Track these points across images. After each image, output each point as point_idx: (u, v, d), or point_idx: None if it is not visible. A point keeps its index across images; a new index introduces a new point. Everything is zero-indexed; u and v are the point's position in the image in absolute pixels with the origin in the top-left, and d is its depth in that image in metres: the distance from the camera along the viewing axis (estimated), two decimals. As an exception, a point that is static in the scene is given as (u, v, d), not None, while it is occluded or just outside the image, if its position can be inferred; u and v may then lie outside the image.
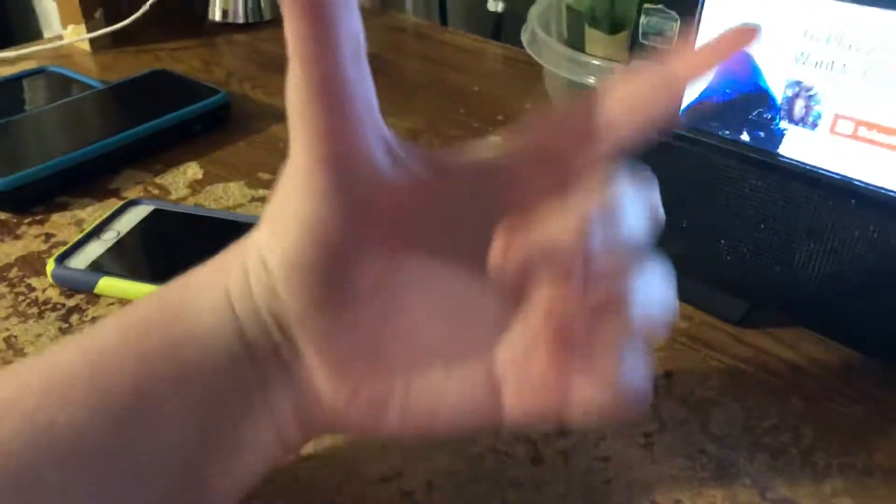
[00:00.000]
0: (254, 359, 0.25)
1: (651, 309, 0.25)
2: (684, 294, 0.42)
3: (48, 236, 0.48)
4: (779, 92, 0.35)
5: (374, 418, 0.26)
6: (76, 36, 0.75)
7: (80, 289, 0.43)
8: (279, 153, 0.57)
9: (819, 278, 0.35)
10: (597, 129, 0.24)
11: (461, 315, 0.26)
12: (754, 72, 0.36)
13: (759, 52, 0.36)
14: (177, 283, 0.27)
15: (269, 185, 0.53)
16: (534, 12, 0.58)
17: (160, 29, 0.79)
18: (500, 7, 0.95)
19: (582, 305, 0.23)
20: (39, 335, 0.40)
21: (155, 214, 0.48)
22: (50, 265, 0.43)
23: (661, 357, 0.38)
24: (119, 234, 0.46)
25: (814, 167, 0.35)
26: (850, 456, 0.33)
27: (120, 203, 0.49)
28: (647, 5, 0.38)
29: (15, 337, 0.40)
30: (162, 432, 0.24)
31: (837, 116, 0.34)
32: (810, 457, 0.33)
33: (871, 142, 0.33)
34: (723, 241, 0.38)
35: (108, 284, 0.42)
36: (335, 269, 0.24)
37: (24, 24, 1.60)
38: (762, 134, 0.36)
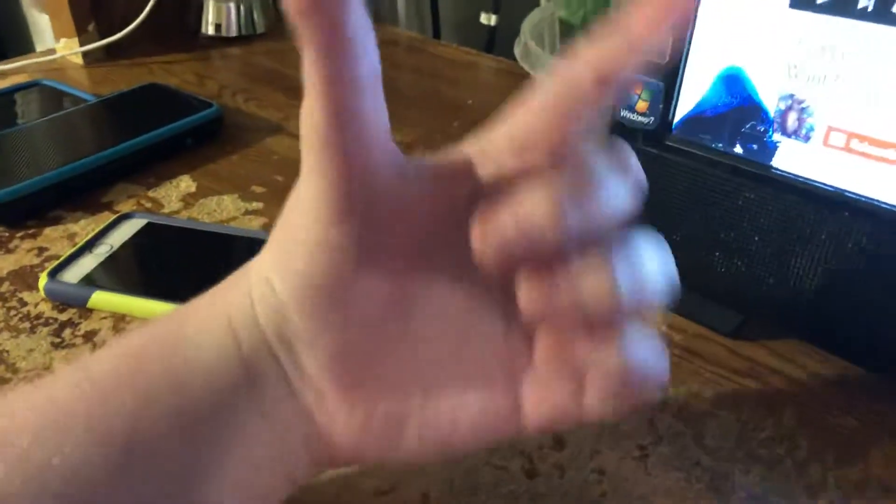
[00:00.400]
0: (259, 390, 0.24)
1: (645, 282, 0.24)
2: (679, 306, 0.42)
3: (41, 250, 0.48)
4: (771, 105, 0.36)
5: (391, 441, 0.25)
6: (69, 49, 0.75)
7: (72, 303, 0.43)
8: (272, 166, 0.58)
9: (813, 290, 0.35)
10: (568, 104, 0.23)
11: (474, 327, 0.26)
12: (747, 85, 0.36)
13: (752, 65, 0.36)
14: (175, 313, 0.26)
15: (262, 198, 0.53)
16: (526, 25, 0.58)
17: (153, 42, 0.79)
18: (492, 20, 0.96)
19: (568, 291, 0.23)
20: (31, 350, 0.40)
21: (148, 228, 0.48)
22: (42, 279, 0.43)
23: (656, 369, 0.38)
24: (112, 247, 0.46)
25: (807, 179, 0.35)
26: (844, 468, 0.33)
27: (113, 217, 0.49)
28: (639, 19, 0.38)
29: (7, 352, 0.40)
30: (162, 469, 0.23)
31: (830, 129, 0.34)
32: (805, 469, 0.33)
33: (864, 154, 0.33)
34: (717, 254, 0.38)
35: (100, 299, 0.42)
36: (346, 290, 0.24)
37: (17, 37, 1.60)
38: (755, 146, 0.36)
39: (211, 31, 0.81)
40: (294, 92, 0.70)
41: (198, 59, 0.77)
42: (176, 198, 0.54)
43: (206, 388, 0.24)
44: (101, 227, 0.48)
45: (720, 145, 0.37)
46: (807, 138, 0.35)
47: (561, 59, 0.24)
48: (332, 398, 0.25)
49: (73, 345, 0.40)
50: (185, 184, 0.55)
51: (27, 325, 0.42)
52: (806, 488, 0.32)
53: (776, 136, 0.36)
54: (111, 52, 0.76)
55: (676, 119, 0.39)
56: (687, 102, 0.38)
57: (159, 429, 0.23)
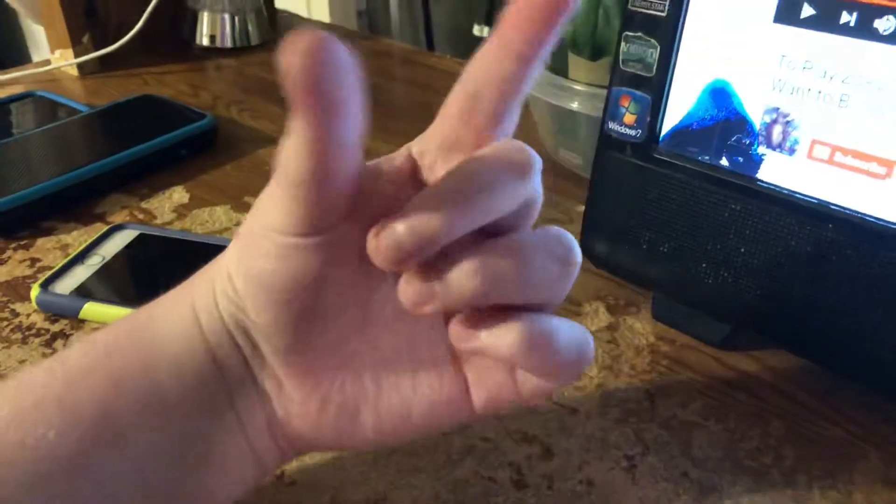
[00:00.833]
0: (223, 373, 0.26)
1: (535, 268, 0.24)
2: (667, 317, 0.42)
3: (33, 261, 0.48)
4: (757, 118, 0.36)
5: (348, 425, 0.27)
6: (64, 60, 0.75)
7: (64, 314, 0.43)
8: (265, 177, 0.57)
9: (799, 301, 0.36)
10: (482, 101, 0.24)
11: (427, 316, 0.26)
12: (733, 98, 0.37)
13: (737, 79, 0.36)
14: (147, 305, 0.27)
15: (255, 209, 0.54)
16: (518, 38, 0.58)
17: (148, 53, 0.79)
18: (485, 32, 0.96)
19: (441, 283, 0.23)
20: (23, 361, 0.40)
21: (140, 239, 0.48)
22: (34, 290, 0.43)
23: (644, 380, 0.39)
24: (104, 259, 0.46)
25: (792, 192, 0.35)
26: (830, 478, 0.34)
27: (105, 228, 0.49)
28: (627, 33, 0.39)
29: (-2, 363, 0.40)
30: (132, 450, 0.24)
31: (814, 142, 0.35)
32: (792, 478, 0.34)
33: (848, 167, 0.34)
34: (703, 265, 0.38)
35: (92, 310, 0.42)
36: (303, 292, 0.24)
37: (13, 48, 1.60)
38: (741, 159, 0.37)
39: (205, 42, 0.81)
40: (287, 104, 0.70)
41: (192, 71, 0.78)
42: (168, 209, 0.54)
43: (174, 373, 0.25)
44: (94, 238, 0.48)
45: (706, 158, 0.38)
46: (791, 151, 0.35)
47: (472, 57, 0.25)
48: (288, 386, 0.26)
49: (65, 356, 0.41)
50: (178, 195, 0.56)
51: (19, 335, 0.42)
52: (792, 499, 0.33)
53: (761, 149, 0.36)
54: (106, 63, 0.77)
55: (663, 132, 0.39)
56: (674, 115, 0.38)
57: (129, 411, 0.25)
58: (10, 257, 0.49)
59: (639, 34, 0.38)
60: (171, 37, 0.83)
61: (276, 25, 0.88)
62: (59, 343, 0.41)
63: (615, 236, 0.41)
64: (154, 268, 0.47)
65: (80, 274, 0.45)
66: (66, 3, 0.73)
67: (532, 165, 0.24)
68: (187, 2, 0.81)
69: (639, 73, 0.39)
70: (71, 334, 0.42)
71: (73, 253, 0.47)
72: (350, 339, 0.26)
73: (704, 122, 0.38)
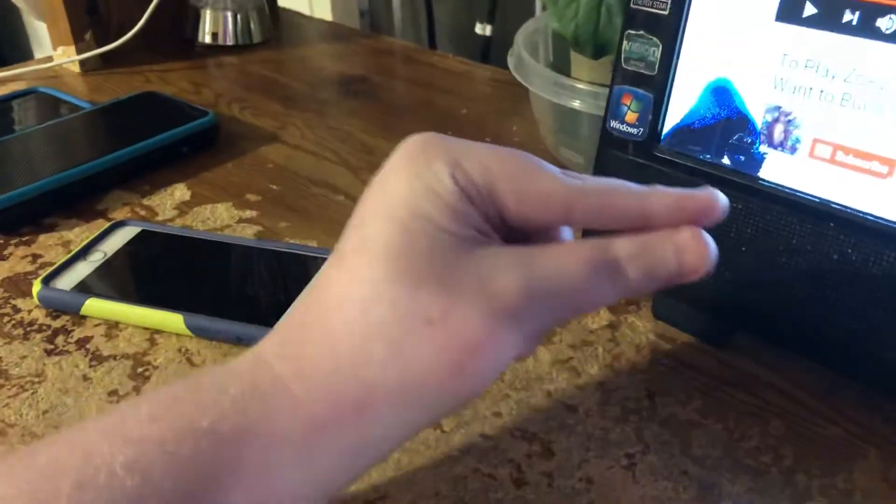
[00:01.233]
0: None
1: None
2: (667, 316, 0.42)
3: (35, 257, 0.48)
4: (759, 117, 0.36)
5: None
6: (66, 57, 0.75)
7: (65, 310, 0.43)
8: (267, 175, 0.58)
9: (799, 301, 0.36)
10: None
11: None
12: (735, 97, 0.37)
13: (739, 77, 0.36)
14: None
15: (256, 206, 0.54)
16: (520, 36, 0.58)
17: (150, 51, 0.79)
18: (487, 31, 0.97)
19: None
20: (24, 357, 0.40)
21: (142, 236, 0.48)
22: (36, 286, 0.43)
23: (644, 378, 0.39)
24: (106, 255, 0.46)
25: (793, 191, 0.35)
26: (830, 477, 0.34)
27: (107, 224, 0.49)
28: (629, 31, 0.39)
29: (0, 358, 0.40)
30: None
31: (816, 141, 0.35)
32: (791, 478, 0.34)
33: (849, 166, 0.34)
34: (705, 264, 0.38)
35: (94, 306, 0.42)
36: None
37: (15, 44, 1.60)
38: (742, 158, 0.37)
39: (207, 39, 0.81)
40: (289, 101, 0.71)
41: (194, 68, 0.78)
42: (170, 206, 0.54)
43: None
44: (95, 234, 0.48)
45: (708, 156, 0.38)
46: (793, 150, 0.35)
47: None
48: None
49: (67, 351, 0.41)
50: (180, 192, 0.56)
51: (20, 331, 0.42)
52: (791, 497, 0.33)
53: (763, 148, 0.36)
54: (108, 60, 0.77)
55: (665, 130, 0.39)
56: (675, 114, 0.38)
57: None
58: (11, 253, 0.49)
59: (641, 32, 0.38)
60: (174, 34, 0.83)
61: (279, 23, 0.88)
62: (60, 339, 0.41)
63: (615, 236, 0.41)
64: (156, 264, 0.47)
65: (82, 270, 0.45)
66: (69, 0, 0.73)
67: None
68: (190, -1, 0.81)
69: (641, 71, 0.39)
70: (72, 330, 0.42)
71: (74, 249, 0.47)
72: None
73: (706, 120, 0.38)
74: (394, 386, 0.24)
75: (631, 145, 0.40)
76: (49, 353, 0.41)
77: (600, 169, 0.42)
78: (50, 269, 0.45)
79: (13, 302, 0.44)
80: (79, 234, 0.50)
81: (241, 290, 0.44)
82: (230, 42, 0.81)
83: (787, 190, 0.35)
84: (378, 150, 0.61)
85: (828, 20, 0.33)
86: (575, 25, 0.49)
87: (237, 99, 0.71)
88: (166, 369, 0.39)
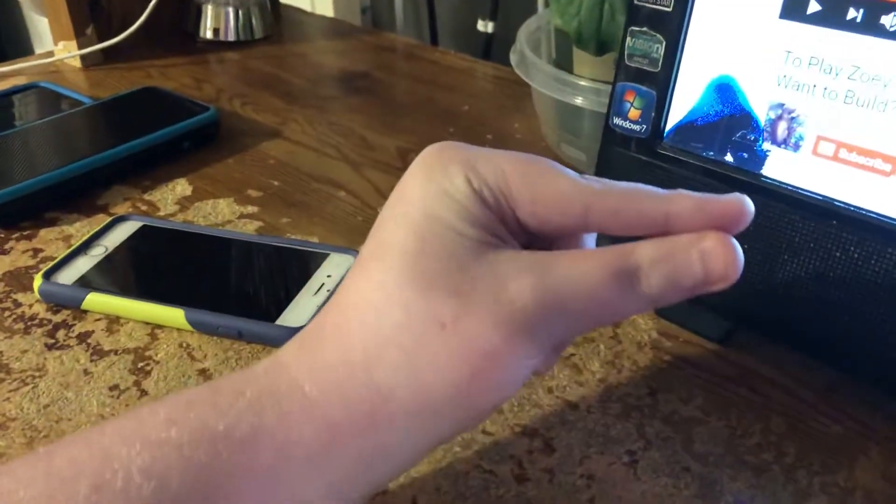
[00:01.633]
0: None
1: None
2: (669, 313, 0.42)
3: (36, 251, 0.48)
4: (762, 114, 0.36)
5: None
6: (67, 52, 0.75)
7: (66, 304, 0.43)
8: (268, 170, 0.58)
9: (801, 298, 0.36)
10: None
11: None
12: (738, 94, 0.37)
13: (743, 74, 0.36)
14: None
15: (257, 202, 0.54)
16: (522, 33, 0.58)
17: (151, 46, 0.79)
18: (489, 28, 0.96)
19: None
20: (25, 351, 0.40)
21: (143, 231, 0.48)
22: (37, 281, 0.43)
23: (646, 375, 0.39)
24: (107, 249, 0.46)
25: (796, 188, 0.35)
26: (831, 474, 0.34)
27: (108, 219, 0.49)
28: (632, 27, 0.39)
29: (0, 352, 0.40)
30: None
31: (819, 138, 0.34)
32: (792, 475, 0.34)
33: (852, 164, 0.34)
34: (707, 261, 0.38)
35: (95, 300, 0.42)
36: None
37: (17, 40, 1.60)
38: (745, 155, 0.37)
39: (209, 35, 0.81)
40: (291, 97, 0.70)
41: (195, 63, 0.78)
42: (171, 201, 0.54)
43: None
44: (97, 229, 0.48)
45: (711, 153, 0.38)
46: (796, 147, 0.35)
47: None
48: None
49: (67, 346, 0.41)
50: (181, 187, 0.56)
51: (21, 325, 0.42)
52: (793, 494, 0.33)
53: (766, 145, 0.36)
54: (109, 56, 0.77)
55: (668, 127, 0.39)
56: (678, 111, 0.38)
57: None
58: (12, 247, 0.49)
59: (644, 29, 0.38)
60: (175, 30, 0.83)
61: (280, 19, 0.88)
62: (61, 333, 0.41)
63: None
64: (157, 259, 0.47)
65: (83, 264, 0.45)
66: (70, -7, 0.73)
67: None
68: (191, -5, 0.81)
69: (644, 68, 0.39)
70: (73, 325, 0.42)
71: (75, 244, 0.47)
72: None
73: (709, 117, 0.37)
74: (407, 391, 0.24)
75: (634, 142, 0.40)
76: (50, 347, 0.41)
77: (603, 166, 0.42)
78: (51, 264, 0.45)
79: (14, 296, 0.44)
80: (80, 229, 0.50)
81: (242, 285, 0.44)
82: (231, 38, 0.81)
83: (790, 187, 0.35)
84: (379, 147, 0.61)
85: (832, 17, 0.33)
86: (578, 22, 0.49)
87: (238, 94, 0.71)
88: (167, 364, 0.39)
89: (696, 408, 0.37)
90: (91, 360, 0.40)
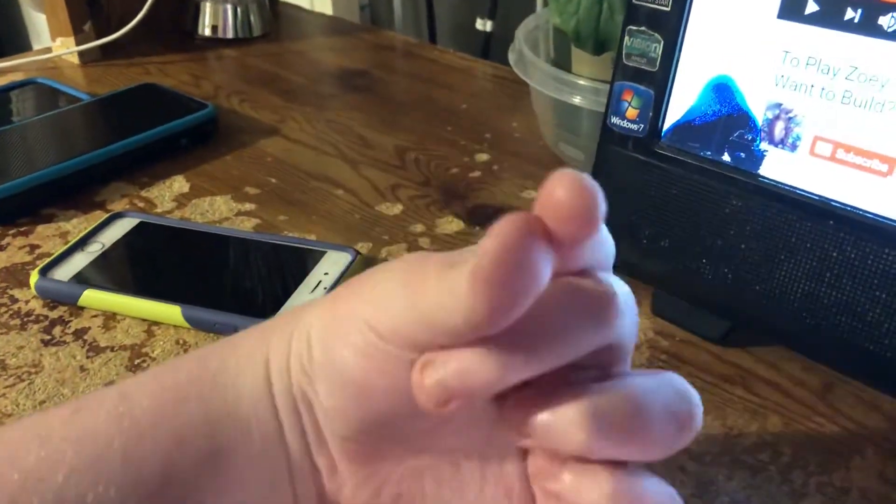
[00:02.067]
0: (285, 442, 0.24)
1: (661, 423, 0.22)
2: (666, 312, 0.42)
3: (33, 248, 0.48)
4: (759, 114, 0.36)
5: None
6: (65, 48, 0.75)
7: (63, 301, 0.43)
8: (266, 168, 0.58)
9: (798, 298, 0.36)
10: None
11: (498, 421, 0.24)
12: (736, 94, 0.37)
13: (740, 74, 0.36)
14: (222, 345, 0.26)
15: (255, 199, 0.54)
16: (521, 32, 0.58)
17: (149, 43, 0.79)
18: (488, 26, 0.96)
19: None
20: (21, 347, 0.40)
21: (140, 227, 0.48)
22: (34, 277, 0.43)
23: (643, 375, 0.39)
24: (104, 246, 0.46)
25: (793, 188, 0.35)
26: (827, 474, 0.34)
27: (105, 215, 0.49)
28: (630, 27, 0.39)
29: (-4, 348, 0.40)
30: None
31: (817, 138, 0.35)
32: (788, 475, 0.34)
33: (849, 164, 0.34)
34: (704, 261, 0.38)
35: (91, 297, 0.42)
36: (380, 393, 0.23)
37: (15, 36, 1.60)
38: (743, 155, 0.37)
39: (207, 32, 0.81)
40: (289, 95, 0.70)
41: (194, 60, 0.78)
42: (169, 198, 0.54)
43: (240, 438, 0.24)
44: (94, 225, 0.48)
45: (708, 153, 0.38)
46: (794, 147, 0.35)
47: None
48: (342, 470, 0.25)
49: (64, 342, 0.41)
50: (179, 184, 0.55)
51: (17, 321, 0.42)
52: (789, 494, 0.33)
53: (763, 145, 0.36)
54: (107, 52, 0.76)
55: (666, 127, 0.39)
56: (676, 110, 0.38)
57: (192, 473, 0.23)
58: (9, 244, 0.48)
59: (642, 28, 0.38)
60: (173, 27, 0.83)
61: (279, 17, 0.88)
62: (57, 330, 0.41)
63: (615, 231, 0.41)
64: (153, 256, 0.47)
65: (80, 261, 0.45)
66: (69, -10, 0.73)
67: (611, 311, 0.21)
68: (190, -9, 0.81)
69: (642, 67, 0.39)
70: (70, 321, 0.42)
71: (72, 240, 0.47)
72: (420, 440, 0.24)
73: (707, 117, 0.37)
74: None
75: (631, 142, 0.40)
76: (46, 343, 0.41)
77: (600, 165, 0.42)
78: (48, 260, 0.44)
79: (11, 292, 0.44)
80: (77, 226, 0.50)
81: (239, 282, 0.44)
82: (230, 35, 0.81)
83: (788, 187, 0.35)
84: (377, 145, 0.61)
85: (829, 18, 0.33)
86: (576, 21, 0.49)
87: (237, 92, 0.71)
88: (163, 361, 0.39)
89: (693, 407, 0.37)
90: (87, 357, 0.40)
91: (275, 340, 0.25)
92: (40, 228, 0.50)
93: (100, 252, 0.46)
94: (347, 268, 0.44)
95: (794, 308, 0.36)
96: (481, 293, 0.18)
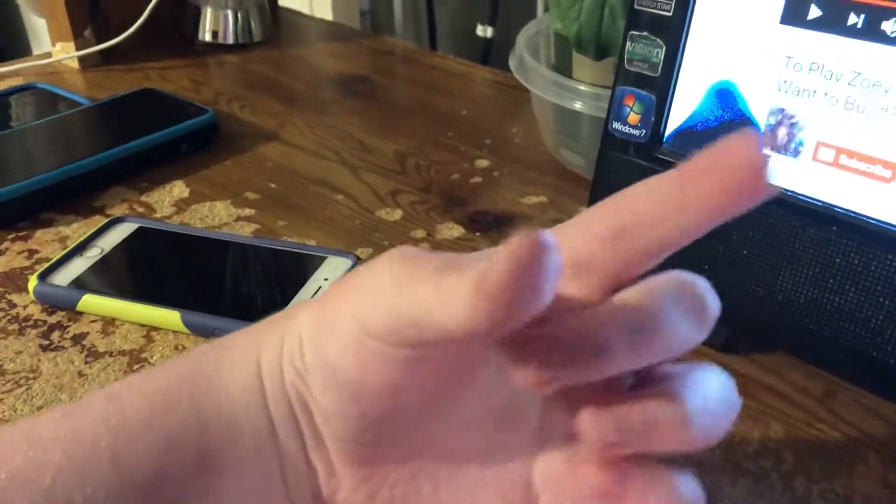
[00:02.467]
0: (277, 443, 0.24)
1: (713, 415, 0.22)
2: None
3: (31, 252, 0.48)
4: (762, 119, 0.36)
5: None
6: (65, 53, 0.75)
7: (62, 306, 0.43)
8: (266, 173, 0.58)
9: (801, 304, 0.36)
10: (636, 238, 0.21)
11: (501, 423, 0.24)
12: (738, 99, 0.36)
13: (743, 80, 0.36)
14: (213, 347, 0.25)
15: (255, 204, 0.54)
16: (522, 38, 0.58)
17: (150, 48, 0.79)
18: (488, 32, 0.96)
19: (636, 421, 0.21)
20: (19, 352, 0.40)
21: (139, 232, 0.48)
22: (32, 282, 0.43)
23: (644, 381, 0.38)
24: (103, 251, 0.46)
25: (796, 194, 0.35)
26: (829, 481, 0.33)
27: (105, 220, 0.49)
28: (632, 32, 0.39)
29: (-6, 353, 0.40)
30: None
31: (819, 144, 0.34)
32: (790, 482, 0.33)
33: (852, 170, 0.34)
34: (706, 267, 0.38)
35: (90, 302, 0.42)
36: (374, 393, 0.22)
37: (14, 41, 1.60)
38: (745, 160, 0.37)
39: (208, 38, 0.81)
40: (289, 100, 0.70)
41: (194, 66, 0.78)
42: (168, 203, 0.54)
43: (231, 440, 0.24)
44: (93, 230, 0.48)
45: (710, 159, 0.37)
46: (796, 153, 0.35)
47: (635, 190, 0.22)
48: (339, 472, 0.24)
49: (62, 347, 0.40)
50: (178, 189, 0.55)
51: (16, 326, 0.42)
52: (791, 501, 0.33)
53: (766, 151, 0.36)
54: (108, 57, 0.76)
55: (667, 132, 0.39)
56: (678, 116, 0.38)
57: (184, 476, 0.23)
58: (8, 248, 0.48)
59: (644, 33, 0.38)
60: (174, 32, 0.83)
61: (279, 22, 0.88)
62: (56, 335, 0.41)
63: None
64: (153, 261, 0.47)
65: (79, 266, 0.45)
66: (69, -5, 0.72)
67: (710, 315, 0.22)
68: (190, -3, 0.81)
69: (644, 72, 0.39)
70: (68, 326, 0.42)
71: (71, 245, 0.47)
72: (417, 441, 0.24)
73: (709, 122, 0.37)
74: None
75: (633, 147, 0.40)
76: (44, 348, 0.40)
77: (601, 171, 0.42)
78: (46, 265, 0.44)
79: (9, 297, 0.44)
80: (76, 230, 0.50)
81: (239, 287, 0.44)
82: (230, 40, 0.81)
83: (790, 193, 0.35)
84: (377, 150, 0.61)
85: (832, 23, 0.33)
86: (578, 26, 0.49)
87: (237, 97, 0.70)
88: (163, 366, 0.39)
89: (695, 414, 0.37)
90: (86, 362, 0.39)
91: (267, 342, 0.25)
92: (39, 233, 0.50)
93: (99, 257, 0.45)
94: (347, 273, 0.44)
95: (797, 314, 0.36)
96: (484, 305, 0.18)
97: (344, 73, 0.77)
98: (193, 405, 0.24)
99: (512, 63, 0.57)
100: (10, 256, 0.48)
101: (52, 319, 0.42)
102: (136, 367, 0.39)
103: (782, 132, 0.35)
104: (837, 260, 0.34)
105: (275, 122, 0.66)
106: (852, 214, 0.34)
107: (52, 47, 0.76)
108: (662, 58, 0.38)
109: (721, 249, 0.37)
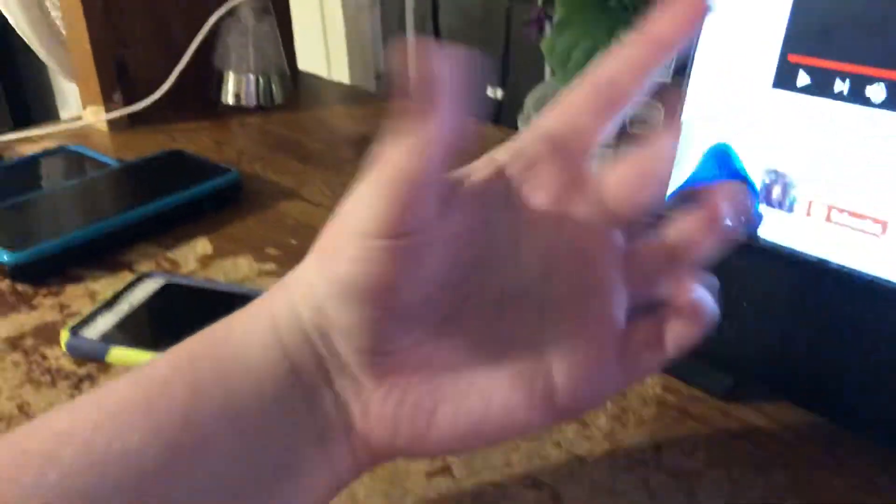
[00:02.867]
0: (301, 380, 0.26)
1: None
2: (673, 369, 0.43)
3: (62, 307, 0.50)
4: (758, 179, 0.38)
5: (424, 425, 0.27)
6: (95, 116, 0.78)
7: (92, 358, 0.45)
8: (287, 230, 0.60)
9: (800, 354, 0.37)
10: (602, 101, 0.30)
11: (514, 316, 0.27)
12: (734, 160, 0.38)
13: (738, 142, 0.38)
14: (222, 320, 0.28)
15: (276, 259, 0.56)
16: (530, 99, 0.61)
17: (175, 110, 0.82)
18: (499, 94, 0.99)
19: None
20: (52, 402, 0.42)
21: (166, 287, 0.50)
22: (64, 335, 0.45)
23: (650, 429, 0.40)
24: (131, 305, 0.48)
25: (791, 249, 0.37)
26: (832, 527, 0.34)
27: (132, 276, 0.51)
28: (634, 97, 0.41)
29: (28, 403, 0.42)
30: (212, 457, 0.25)
31: (811, 202, 0.36)
32: (794, 528, 0.34)
33: (843, 225, 0.35)
34: (708, 318, 0.40)
35: (119, 354, 0.44)
36: (388, 292, 0.25)
37: (42, 105, 1.65)
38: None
39: (231, 101, 0.85)
40: (309, 160, 0.73)
41: (217, 127, 0.81)
42: (193, 259, 0.56)
43: (251, 380, 0.26)
44: (122, 286, 0.50)
45: (710, 216, 0.39)
46: (790, 209, 0.37)
47: (592, 64, 0.28)
48: (368, 386, 0.27)
49: (92, 398, 0.42)
50: (203, 245, 0.58)
51: (48, 378, 0.44)
52: (794, 547, 0.33)
53: (762, 208, 0.38)
54: (135, 120, 0.80)
55: (668, 192, 0.41)
56: (677, 177, 0.40)
57: (210, 418, 0.25)
58: (40, 303, 0.50)
59: (644, 98, 0.41)
60: (198, 95, 0.86)
61: (299, 86, 0.92)
62: (86, 385, 0.43)
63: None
64: (178, 314, 0.49)
65: (108, 320, 0.47)
66: (99, 61, 0.76)
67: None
68: (214, 62, 0.84)
69: (645, 134, 0.41)
70: (98, 377, 0.44)
71: (101, 299, 0.49)
72: (430, 340, 0.27)
73: (707, 182, 0.39)
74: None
75: (636, 204, 0.42)
76: (76, 397, 0.42)
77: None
78: (78, 319, 0.46)
79: (42, 350, 0.46)
80: (104, 286, 0.52)
81: (261, 340, 0.46)
82: (252, 103, 0.84)
83: (786, 248, 0.37)
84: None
85: (821, 88, 0.35)
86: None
87: (258, 157, 0.73)
88: (188, 416, 0.41)
89: (700, 461, 0.38)
90: (114, 412, 0.41)
91: (276, 299, 0.27)
92: (70, 288, 0.52)
93: (127, 311, 0.48)
94: (364, 326, 0.46)
95: (797, 364, 0.37)
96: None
97: (360, 134, 0.79)
98: (211, 356, 0.26)
99: (521, 123, 0.60)
100: (43, 311, 0.50)
101: (83, 371, 0.44)
102: (162, 416, 0.41)
103: (777, 190, 0.37)
104: (833, 313, 0.36)
105: (295, 181, 0.68)
106: (844, 268, 0.35)
107: (83, 110, 0.80)
108: (662, 121, 0.40)
109: (721, 302, 0.39)
